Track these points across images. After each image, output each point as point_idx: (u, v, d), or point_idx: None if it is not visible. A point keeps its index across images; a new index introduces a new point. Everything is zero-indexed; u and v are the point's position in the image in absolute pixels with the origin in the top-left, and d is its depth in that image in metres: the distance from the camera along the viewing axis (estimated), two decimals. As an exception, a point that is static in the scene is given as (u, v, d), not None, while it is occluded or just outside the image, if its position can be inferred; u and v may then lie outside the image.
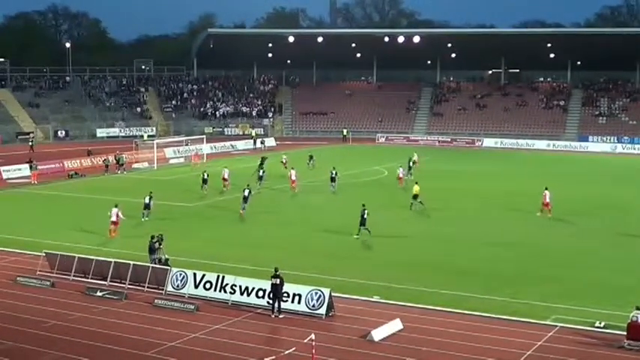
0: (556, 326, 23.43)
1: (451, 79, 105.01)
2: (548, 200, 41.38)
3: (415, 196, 42.62)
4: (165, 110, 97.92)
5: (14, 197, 49.76)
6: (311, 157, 62.93)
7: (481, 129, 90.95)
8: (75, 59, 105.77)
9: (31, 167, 56.82)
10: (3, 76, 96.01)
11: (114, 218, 35.44)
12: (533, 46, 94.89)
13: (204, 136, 74.42)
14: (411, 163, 57.40)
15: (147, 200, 40.31)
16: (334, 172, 50.53)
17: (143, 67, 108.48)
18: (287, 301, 24.75)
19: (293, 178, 50.39)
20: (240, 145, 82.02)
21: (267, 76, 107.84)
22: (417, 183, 44.22)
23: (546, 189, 41.85)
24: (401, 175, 52.72)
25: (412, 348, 21.78)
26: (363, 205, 35.89)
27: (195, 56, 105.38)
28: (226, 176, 50.92)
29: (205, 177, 49.41)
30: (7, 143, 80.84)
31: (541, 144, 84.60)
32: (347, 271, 29.70)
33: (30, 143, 75.00)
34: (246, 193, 41.77)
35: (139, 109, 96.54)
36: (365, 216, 35.37)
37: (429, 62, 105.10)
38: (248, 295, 25.62)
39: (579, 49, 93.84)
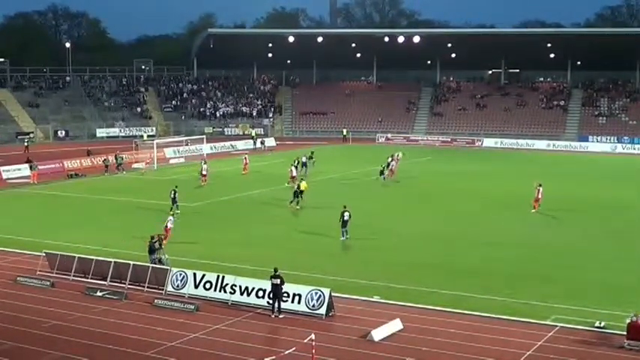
0: (556, 326, 23.43)
1: (451, 79, 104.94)
2: (540, 196, 42.44)
3: (301, 192, 43.94)
4: (165, 110, 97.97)
5: (14, 197, 49.77)
6: (311, 156, 62.11)
7: (481, 129, 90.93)
8: (75, 59, 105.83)
9: (31, 167, 56.87)
10: (3, 76, 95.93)
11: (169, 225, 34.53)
12: (533, 46, 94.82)
13: (204, 136, 74.42)
14: (389, 160, 58.45)
15: (172, 195, 41.59)
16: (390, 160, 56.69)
17: (143, 67, 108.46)
18: (287, 301, 24.75)
19: (294, 174, 51.77)
20: (240, 145, 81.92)
21: (267, 76, 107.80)
22: (302, 179, 46.16)
23: (540, 185, 42.85)
24: (393, 168, 56.67)
25: (412, 348, 21.78)
26: (345, 207, 35.61)
27: (195, 56, 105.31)
28: (204, 172, 53.31)
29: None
30: (7, 143, 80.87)
31: (541, 144, 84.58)
32: (347, 271, 29.70)
33: (25, 143, 74.84)
34: (296, 188, 44.12)
35: (139, 109, 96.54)
36: (346, 218, 35.18)
37: (429, 62, 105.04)
38: (248, 295, 25.63)
39: (579, 49, 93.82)
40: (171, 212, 39.24)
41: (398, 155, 61.34)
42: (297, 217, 42.07)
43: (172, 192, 41.92)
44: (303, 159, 58.59)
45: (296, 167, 54.31)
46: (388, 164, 56.41)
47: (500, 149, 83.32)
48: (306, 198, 43.96)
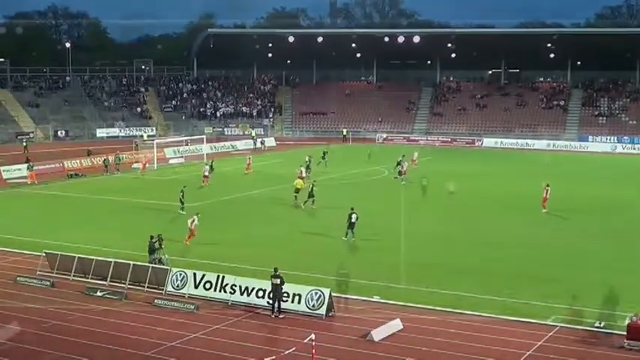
0: (556, 326, 23.42)
1: (451, 79, 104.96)
2: (547, 196, 42.54)
3: (297, 190, 44.40)
4: (165, 110, 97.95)
5: (14, 197, 49.77)
6: (324, 156, 62.71)
7: (481, 129, 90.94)
8: (75, 59, 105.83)
9: (28, 167, 56.83)
10: (3, 76, 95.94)
11: (190, 225, 34.47)
12: (533, 46, 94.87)
13: (205, 136, 74.42)
14: (399, 160, 57.71)
15: (180, 195, 41.99)
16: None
17: (143, 67, 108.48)
18: (287, 301, 24.74)
19: (304, 174, 51.55)
20: (240, 145, 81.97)
21: (267, 76, 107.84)
22: (300, 178, 46.82)
23: (548, 185, 42.94)
24: (415, 160, 59.28)
25: (412, 348, 21.77)
26: (352, 209, 35.38)
27: (195, 56, 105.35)
28: (207, 174, 53.11)
29: (212, 166, 55.61)
30: (7, 143, 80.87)
31: (541, 144, 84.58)
32: (347, 270, 29.65)
33: (24, 144, 74.78)
34: (310, 188, 44.28)
35: (139, 109, 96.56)
36: (353, 220, 34.96)
37: (429, 62, 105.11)
38: (248, 295, 25.62)
39: (579, 49, 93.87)
40: (182, 211, 39.71)
41: (413, 156, 61.75)
42: (298, 217, 42.04)
43: (180, 192, 42.18)
44: (307, 159, 58.66)
45: (306, 168, 54.34)
46: (400, 166, 55.87)
47: (500, 149, 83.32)
48: (305, 198, 43.92)
